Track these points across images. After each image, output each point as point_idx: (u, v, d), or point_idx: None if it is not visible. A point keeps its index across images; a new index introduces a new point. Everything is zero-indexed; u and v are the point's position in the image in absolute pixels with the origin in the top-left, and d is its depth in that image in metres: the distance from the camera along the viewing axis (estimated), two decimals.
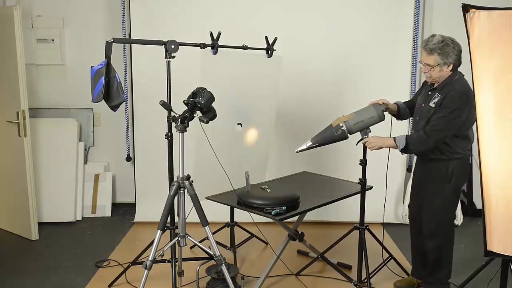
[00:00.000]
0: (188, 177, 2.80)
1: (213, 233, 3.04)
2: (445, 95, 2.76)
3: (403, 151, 2.84)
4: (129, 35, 4.49)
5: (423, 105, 2.92)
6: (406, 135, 2.84)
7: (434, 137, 2.77)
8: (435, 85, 2.87)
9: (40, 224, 4.27)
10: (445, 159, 2.88)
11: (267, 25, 4.21)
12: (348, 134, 2.89)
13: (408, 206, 3.28)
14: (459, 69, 2.89)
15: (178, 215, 2.86)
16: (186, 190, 2.79)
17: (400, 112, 3.11)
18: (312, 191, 3.39)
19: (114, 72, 2.82)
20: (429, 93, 2.90)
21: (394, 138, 2.84)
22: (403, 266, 3.51)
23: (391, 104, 3.05)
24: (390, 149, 2.92)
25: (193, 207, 2.75)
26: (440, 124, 2.76)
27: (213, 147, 2.80)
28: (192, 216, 2.88)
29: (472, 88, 2.68)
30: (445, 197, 2.93)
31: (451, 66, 2.78)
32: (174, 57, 2.88)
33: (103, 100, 2.80)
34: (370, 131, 2.94)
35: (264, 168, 3.93)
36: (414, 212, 3.16)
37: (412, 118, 3.12)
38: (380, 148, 2.89)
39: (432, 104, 2.82)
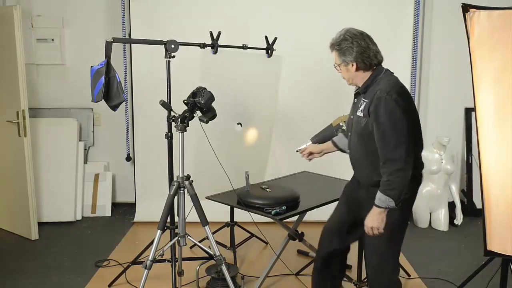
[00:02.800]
0: (188, 177, 2.80)
1: (213, 233, 3.04)
2: (372, 99, 2.24)
3: (397, 202, 2.22)
4: (129, 35, 4.49)
5: (351, 116, 2.43)
6: (378, 191, 2.24)
7: (398, 159, 2.17)
8: (356, 90, 2.44)
9: (40, 224, 4.27)
10: None
11: (267, 25, 4.21)
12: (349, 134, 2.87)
13: (330, 219, 2.72)
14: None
15: (178, 215, 2.86)
16: (186, 190, 2.79)
17: (339, 146, 2.73)
18: (312, 191, 3.39)
19: (114, 71, 2.82)
20: (355, 100, 2.43)
21: (376, 205, 2.25)
22: (403, 266, 3.51)
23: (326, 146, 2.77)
24: None
25: (193, 207, 2.75)
26: (392, 137, 2.18)
27: (213, 147, 2.81)
28: (192, 216, 2.88)
29: (400, 84, 2.31)
30: (391, 225, 2.31)
31: (353, 65, 2.30)
32: (174, 57, 2.88)
33: (103, 100, 2.80)
34: None
35: (264, 168, 3.93)
36: (335, 226, 2.64)
37: None
38: (381, 222, 2.27)
39: (359, 113, 2.32)
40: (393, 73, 2.39)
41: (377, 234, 2.28)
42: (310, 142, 2.91)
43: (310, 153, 2.80)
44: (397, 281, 2.51)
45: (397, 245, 2.49)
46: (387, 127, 2.18)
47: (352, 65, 2.31)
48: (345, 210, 2.61)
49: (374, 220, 2.25)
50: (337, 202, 2.76)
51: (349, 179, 2.69)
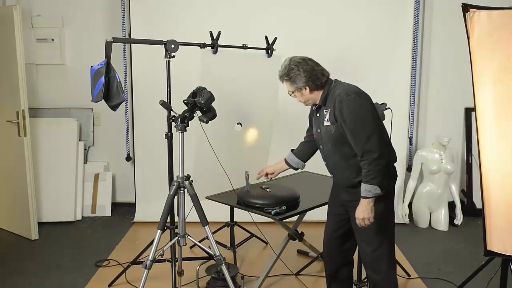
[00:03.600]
0: (188, 177, 2.80)
1: (213, 233, 3.04)
2: (334, 105, 2.38)
3: (382, 189, 2.33)
4: (129, 35, 4.49)
5: (318, 130, 2.54)
6: (361, 182, 2.35)
7: (373, 149, 2.29)
8: (315, 106, 2.56)
9: (40, 224, 4.27)
10: None
11: (267, 25, 4.22)
12: None
13: (324, 236, 2.78)
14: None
15: (178, 215, 2.86)
16: (186, 190, 2.79)
17: (291, 165, 2.89)
18: (312, 191, 3.39)
19: (114, 71, 2.82)
20: (317, 115, 2.54)
21: (365, 197, 2.35)
22: (403, 266, 3.51)
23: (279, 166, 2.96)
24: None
25: (193, 206, 2.75)
26: (362, 131, 2.31)
27: (213, 147, 2.80)
28: (192, 215, 2.88)
29: (354, 86, 2.44)
30: (380, 224, 2.45)
31: (307, 88, 2.45)
32: (174, 56, 2.88)
33: (103, 99, 2.80)
34: None
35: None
36: (332, 245, 2.73)
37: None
38: (371, 212, 2.36)
39: (327, 123, 2.44)
40: (340, 80, 2.53)
41: (368, 224, 2.38)
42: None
43: (267, 174, 2.98)
44: (395, 279, 2.58)
45: (389, 239, 2.55)
46: (355, 124, 2.32)
47: (305, 89, 2.45)
48: (335, 227, 2.69)
49: (364, 211, 2.35)
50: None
51: None
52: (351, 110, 2.32)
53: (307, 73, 2.43)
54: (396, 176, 2.56)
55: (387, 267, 2.53)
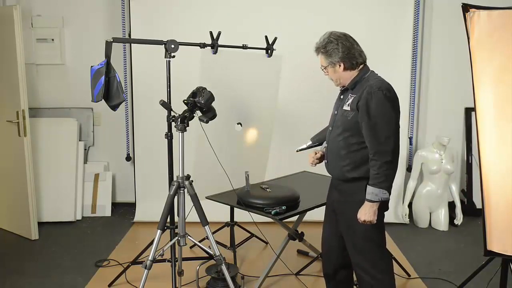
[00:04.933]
0: (188, 177, 2.80)
1: (213, 233, 3.04)
2: (361, 94, 2.32)
3: (389, 195, 2.30)
4: (129, 35, 4.50)
5: (335, 112, 2.49)
6: (367, 185, 2.29)
7: (387, 151, 2.24)
8: (343, 88, 2.50)
9: (40, 224, 4.27)
10: (366, 178, 2.33)
11: (267, 24, 4.22)
12: None
13: (322, 235, 2.72)
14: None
15: (178, 215, 2.86)
16: (186, 190, 2.79)
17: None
18: (312, 191, 3.39)
19: (114, 71, 2.82)
20: (341, 97, 2.49)
21: (369, 201, 2.28)
22: (403, 266, 3.51)
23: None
24: None
25: (193, 206, 2.75)
26: (383, 130, 2.26)
27: (213, 147, 2.81)
28: (192, 215, 2.88)
29: (388, 83, 2.38)
30: (362, 230, 2.41)
31: (341, 65, 2.38)
32: (174, 56, 2.88)
33: (103, 99, 2.80)
34: None
35: (264, 168, 3.93)
36: (331, 249, 2.66)
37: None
38: (374, 215, 2.31)
39: (346, 107, 2.38)
40: (377, 73, 2.48)
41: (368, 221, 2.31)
42: (311, 142, 2.90)
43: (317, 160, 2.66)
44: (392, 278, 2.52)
45: (378, 244, 2.46)
46: (378, 120, 2.27)
47: (340, 65, 2.39)
48: (332, 228, 2.63)
49: (367, 214, 2.30)
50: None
51: None
52: (379, 105, 2.27)
53: (345, 49, 2.37)
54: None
55: (378, 265, 2.45)
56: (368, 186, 2.29)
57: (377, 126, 2.27)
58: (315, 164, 2.64)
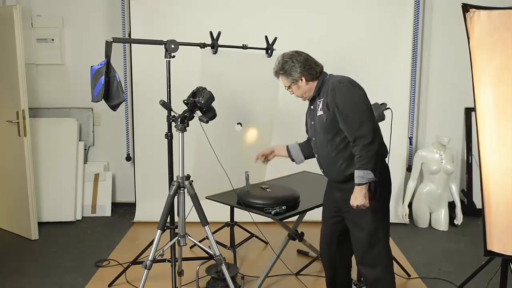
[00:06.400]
0: (188, 177, 2.80)
1: (213, 233, 3.04)
2: (326, 93, 2.42)
3: (375, 175, 2.32)
4: (129, 35, 4.50)
5: (312, 122, 2.56)
6: (355, 170, 2.34)
7: (365, 135, 2.29)
8: (304, 100, 2.62)
9: (40, 224, 4.27)
10: None
11: (267, 25, 4.22)
12: None
13: (321, 238, 2.76)
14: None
15: (178, 215, 2.86)
16: (186, 190, 2.79)
17: (291, 154, 2.82)
18: (312, 191, 3.38)
19: (114, 71, 2.82)
20: (312, 107, 2.57)
21: (358, 184, 2.33)
22: (403, 266, 3.51)
23: (278, 149, 2.87)
24: (390, 148, 2.72)
25: (193, 206, 2.75)
26: (355, 117, 2.32)
27: (213, 147, 2.81)
28: (192, 215, 2.88)
29: (349, 77, 2.46)
30: (375, 218, 2.46)
31: (303, 79, 2.47)
32: (174, 56, 2.88)
33: (103, 99, 2.80)
34: None
35: (264, 168, 3.93)
36: (329, 239, 2.70)
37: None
38: (365, 198, 2.34)
39: (320, 112, 2.46)
40: (332, 74, 2.56)
41: (363, 209, 2.37)
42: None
43: (262, 155, 2.91)
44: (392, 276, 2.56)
45: (384, 234, 2.51)
46: (348, 110, 2.35)
47: (301, 79, 2.49)
48: (331, 230, 2.68)
49: (358, 198, 2.35)
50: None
51: None
52: (344, 96, 2.36)
53: (301, 64, 2.47)
54: (388, 170, 2.56)
55: (383, 262, 2.50)
56: (355, 170, 2.35)
57: (349, 116, 2.34)
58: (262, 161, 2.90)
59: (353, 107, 2.35)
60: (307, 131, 2.74)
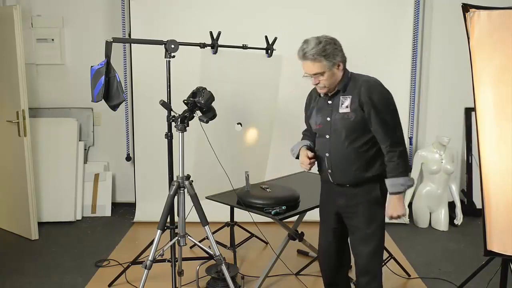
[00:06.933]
0: (188, 177, 2.80)
1: (213, 233, 3.04)
2: (359, 91, 2.30)
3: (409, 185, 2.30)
4: (129, 35, 4.50)
5: (328, 119, 2.39)
6: (388, 178, 2.30)
7: (401, 140, 2.30)
8: (331, 92, 2.39)
9: (40, 224, 4.27)
10: (379, 176, 2.34)
11: (267, 24, 4.22)
12: None
13: (320, 244, 2.68)
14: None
15: (178, 215, 2.86)
16: (186, 190, 2.79)
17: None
18: (312, 191, 3.38)
19: (114, 71, 2.82)
20: (329, 102, 2.40)
21: (396, 193, 2.29)
22: (403, 266, 3.51)
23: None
24: None
25: (193, 206, 2.75)
26: (392, 120, 2.29)
27: (213, 147, 2.80)
28: (192, 215, 2.88)
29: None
30: (380, 225, 2.42)
31: (341, 64, 2.34)
32: (174, 56, 2.88)
33: (103, 99, 2.80)
34: None
35: (264, 168, 3.93)
36: (330, 247, 2.61)
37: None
38: (404, 206, 2.36)
39: (345, 110, 2.32)
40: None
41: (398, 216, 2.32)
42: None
43: (310, 163, 2.50)
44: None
45: (382, 237, 2.49)
46: (386, 113, 2.28)
47: (339, 65, 2.34)
48: (334, 238, 2.58)
49: (398, 208, 2.30)
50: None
51: None
52: (383, 97, 2.29)
53: (341, 48, 2.35)
54: None
55: (379, 265, 2.48)
56: (388, 179, 2.28)
57: (386, 118, 2.28)
58: (311, 168, 2.50)
59: (390, 110, 2.30)
60: (309, 126, 2.59)
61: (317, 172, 2.54)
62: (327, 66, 2.30)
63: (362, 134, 2.32)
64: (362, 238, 2.43)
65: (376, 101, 2.27)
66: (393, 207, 2.31)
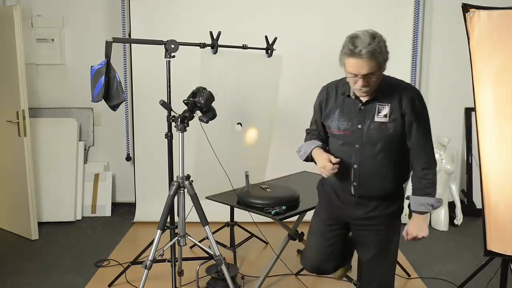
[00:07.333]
0: (188, 177, 2.80)
1: (213, 233, 3.04)
2: (399, 99, 2.08)
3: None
4: (129, 35, 4.49)
5: (359, 126, 2.13)
6: (423, 197, 2.16)
7: (435, 158, 2.19)
8: (366, 97, 2.12)
9: (40, 224, 4.27)
10: (401, 189, 2.25)
11: (267, 24, 4.22)
12: None
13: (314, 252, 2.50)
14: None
15: (178, 215, 2.86)
16: (186, 190, 2.79)
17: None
18: (312, 191, 3.37)
19: (114, 71, 2.82)
20: (362, 107, 2.13)
21: (422, 213, 2.18)
22: (403, 266, 3.51)
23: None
24: None
25: (193, 206, 2.75)
26: (430, 136, 2.16)
27: (213, 147, 2.80)
28: (192, 215, 2.88)
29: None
30: (397, 238, 2.33)
31: (385, 67, 2.07)
32: (174, 56, 2.88)
33: (103, 99, 2.80)
34: None
35: (264, 168, 3.93)
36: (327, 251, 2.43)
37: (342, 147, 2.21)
38: (427, 229, 2.24)
39: (382, 119, 2.09)
40: None
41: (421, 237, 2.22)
42: None
43: (333, 168, 2.17)
44: None
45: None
46: (427, 126, 2.13)
47: (384, 67, 2.07)
48: (334, 249, 2.41)
49: (423, 229, 2.19)
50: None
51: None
52: (424, 108, 2.11)
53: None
54: None
55: (393, 277, 2.39)
56: (417, 196, 2.14)
57: (427, 133, 2.12)
58: (331, 175, 2.20)
59: (428, 123, 2.14)
60: (320, 127, 2.32)
61: (317, 173, 2.31)
62: (380, 65, 2.01)
63: (397, 147, 2.13)
64: (380, 252, 2.29)
65: (419, 113, 2.09)
66: (418, 228, 2.17)
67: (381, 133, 2.10)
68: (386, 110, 2.09)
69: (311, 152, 2.29)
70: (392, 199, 2.25)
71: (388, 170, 2.16)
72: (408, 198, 2.28)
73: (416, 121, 2.09)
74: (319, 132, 2.38)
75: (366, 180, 2.18)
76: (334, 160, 2.15)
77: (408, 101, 2.08)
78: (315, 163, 2.28)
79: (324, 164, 2.15)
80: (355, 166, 2.17)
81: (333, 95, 2.24)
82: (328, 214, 2.42)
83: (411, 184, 2.25)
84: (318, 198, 2.53)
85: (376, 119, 2.10)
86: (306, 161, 2.35)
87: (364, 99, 2.14)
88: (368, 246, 2.30)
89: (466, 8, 2.65)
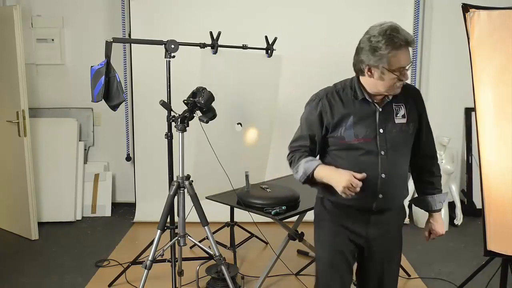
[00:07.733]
0: (188, 177, 2.80)
1: (213, 233, 3.04)
2: (412, 98, 2.03)
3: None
4: (129, 35, 4.50)
5: (381, 130, 1.93)
6: (435, 195, 2.11)
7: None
8: (381, 97, 1.96)
9: (40, 224, 4.27)
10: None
11: (267, 24, 4.22)
12: None
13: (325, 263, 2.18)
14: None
15: (178, 215, 2.86)
16: (186, 190, 2.79)
17: None
18: (312, 191, 3.37)
19: (114, 71, 2.82)
20: (381, 110, 1.95)
21: (438, 210, 2.14)
22: (403, 266, 3.51)
23: None
24: None
25: (193, 206, 2.75)
26: (431, 129, 2.15)
27: (213, 147, 2.80)
28: (192, 215, 2.88)
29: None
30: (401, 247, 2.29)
31: None
32: (174, 56, 2.88)
33: (103, 99, 2.80)
34: None
35: (264, 168, 3.93)
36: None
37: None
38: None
39: (401, 120, 1.95)
40: None
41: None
42: None
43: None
44: None
45: None
46: (428, 120, 2.13)
47: None
48: (349, 273, 2.16)
49: (442, 225, 2.16)
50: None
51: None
52: (423, 104, 2.10)
53: None
54: None
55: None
56: (437, 195, 2.10)
57: (429, 128, 2.12)
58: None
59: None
60: (312, 146, 2.03)
61: None
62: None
63: (410, 148, 2.04)
64: (391, 268, 2.20)
65: (424, 110, 2.08)
66: (441, 225, 2.13)
67: (403, 135, 1.97)
68: (402, 110, 1.97)
69: (313, 171, 1.95)
70: (403, 207, 2.19)
71: (406, 175, 2.05)
72: (411, 201, 2.24)
73: (426, 119, 2.10)
74: (311, 148, 2.04)
75: (390, 190, 1.97)
76: (359, 175, 1.82)
77: (420, 99, 2.07)
78: (317, 184, 2.01)
79: (350, 180, 1.80)
80: (383, 175, 1.93)
81: (337, 101, 1.99)
82: (338, 241, 2.09)
83: (413, 186, 2.23)
84: (319, 223, 2.16)
85: (396, 120, 1.96)
86: (305, 183, 2.02)
87: (378, 100, 1.97)
88: (378, 261, 2.16)
89: (466, 8, 2.65)
